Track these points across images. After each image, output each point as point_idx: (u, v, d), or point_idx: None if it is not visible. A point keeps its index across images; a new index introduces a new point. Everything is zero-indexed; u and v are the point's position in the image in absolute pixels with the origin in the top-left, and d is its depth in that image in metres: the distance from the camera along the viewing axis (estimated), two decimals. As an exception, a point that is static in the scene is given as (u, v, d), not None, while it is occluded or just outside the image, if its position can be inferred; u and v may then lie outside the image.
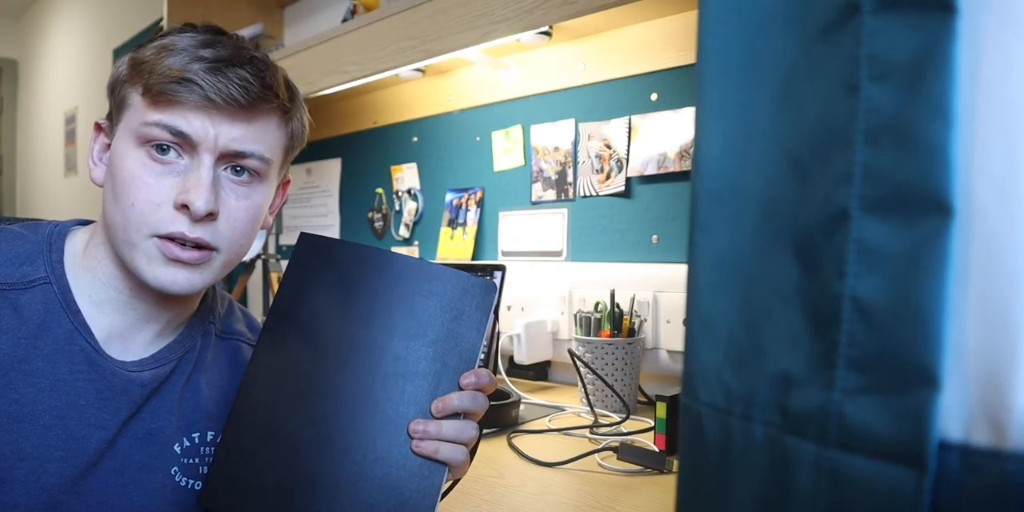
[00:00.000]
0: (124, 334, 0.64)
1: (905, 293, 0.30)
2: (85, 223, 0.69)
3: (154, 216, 0.59)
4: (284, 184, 0.72)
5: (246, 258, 1.81)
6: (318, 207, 2.06)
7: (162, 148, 0.59)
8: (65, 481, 0.59)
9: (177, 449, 0.66)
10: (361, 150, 1.92)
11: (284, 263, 2.00)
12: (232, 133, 0.60)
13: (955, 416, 0.30)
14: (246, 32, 1.90)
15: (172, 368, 0.67)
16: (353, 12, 1.62)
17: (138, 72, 0.60)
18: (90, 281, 0.63)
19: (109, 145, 0.64)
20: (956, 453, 0.30)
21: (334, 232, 2.01)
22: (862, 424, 0.32)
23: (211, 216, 0.60)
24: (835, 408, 0.33)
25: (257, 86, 0.59)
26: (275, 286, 1.82)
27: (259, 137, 0.62)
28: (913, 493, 0.30)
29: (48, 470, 0.59)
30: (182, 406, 0.67)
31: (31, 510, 0.58)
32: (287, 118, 0.65)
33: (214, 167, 0.60)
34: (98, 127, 0.66)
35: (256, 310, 2.23)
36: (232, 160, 0.61)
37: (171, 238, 0.59)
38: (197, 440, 0.68)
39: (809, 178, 0.35)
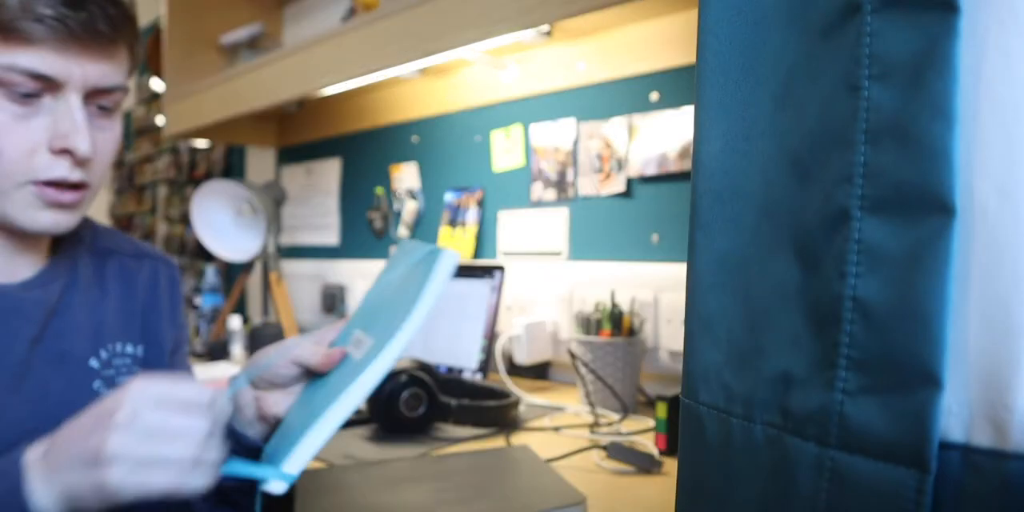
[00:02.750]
0: (9, 264, 0.64)
1: (906, 293, 0.30)
2: None
3: (29, 163, 0.57)
4: None
5: (245, 258, 1.81)
6: (318, 207, 2.06)
7: (20, 90, 0.55)
8: None
9: (94, 364, 0.67)
10: (361, 150, 1.92)
11: (283, 263, 2.00)
12: (98, 70, 0.57)
13: (956, 416, 0.30)
14: (246, 32, 1.90)
15: (60, 287, 0.66)
16: (353, 12, 1.62)
17: None
18: None
19: None
20: (957, 453, 0.30)
21: (334, 232, 2.01)
22: (863, 424, 0.31)
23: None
24: (836, 408, 0.33)
25: (119, 17, 0.56)
26: (274, 287, 1.82)
27: (120, 69, 0.60)
28: (915, 493, 0.30)
29: None
30: (85, 324, 0.67)
31: None
32: (134, 42, 0.62)
33: (83, 105, 0.58)
34: None
35: (255, 310, 2.23)
36: (99, 97, 0.59)
37: (49, 183, 0.58)
38: (111, 351, 0.68)
39: (810, 178, 0.35)
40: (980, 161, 0.30)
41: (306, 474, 0.75)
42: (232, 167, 2.49)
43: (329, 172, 2.02)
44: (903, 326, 0.30)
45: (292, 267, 2.11)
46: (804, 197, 0.35)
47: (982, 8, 0.29)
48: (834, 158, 0.33)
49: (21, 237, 0.64)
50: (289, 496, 0.68)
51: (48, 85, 0.56)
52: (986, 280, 0.29)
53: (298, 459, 0.50)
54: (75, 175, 0.58)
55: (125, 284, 0.73)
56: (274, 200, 1.84)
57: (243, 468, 0.51)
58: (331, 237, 2.02)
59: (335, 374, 0.56)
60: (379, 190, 1.85)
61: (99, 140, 0.60)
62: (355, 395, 0.51)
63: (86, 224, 0.74)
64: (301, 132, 2.11)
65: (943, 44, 0.29)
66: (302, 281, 2.08)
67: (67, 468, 0.46)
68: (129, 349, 0.70)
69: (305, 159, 2.11)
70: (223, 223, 1.81)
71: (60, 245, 0.69)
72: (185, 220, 2.70)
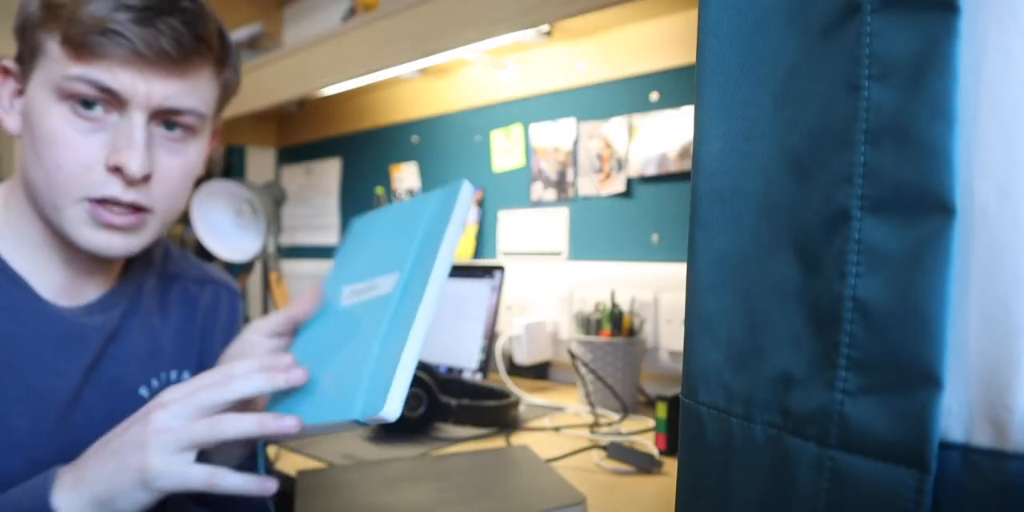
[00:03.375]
0: (75, 285, 0.63)
1: (906, 293, 0.30)
2: None
3: (84, 179, 0.56)
4: (215, 131, 0.69)
5: (245, 258, 1.80)
6: (318, 207, 2.06)
7: (87, 103, 0.55)
8: (40, 436, 0.58)
9: (144, 393, 0.66)
10: (361, 150, 1.92)
11: (283, 262, 2.00)
12: (165, 89, 0.56)
13: (956, 416, 0.30)
14: (246, 32, 1.90)
15: (122, 312, 0.66)
16: (353, 12, 1.62)
17: (53, 17, 0.55)
18: (20, 241, 0.61)
19: (20, 91, 0.59)
20: (957, 453, 0.30)
21: (334, 232, 2.01)
22: (863, 425, 0.31)
23: (145, 178, 0.57)
24: (836, 408, 0.33)
25: (189, 37, 0.55)
26: (274, 287, 1.82)
27: (193, 92, 0.58)
28: (915, 493, 0.30)
29: (18, 426, 0.57)
30: (142, 350, 0.66)
31: (14, 472, 0.56)
32: (220, 68, 0.62)
33: (147, 125, 0.56)
34: (5, 71, 0.60)
35: (256, 310, 2.23)
36: (165, 117, 0.58)
37: (103, 201, 0.57)
38: (163, 380, 0.68)
39: (810, 178, 0.35)
40: (980, 161, 0.30)
41: (306, 474, 0.75)
42: (232, 167, 2.48)
43: (329, 172, 2.02)
44: (903, 326, 0.30)
45: (292, 267, 2.11)
46: (804, 197, 0.35)
47: (982, 8, 0.29)
48: (834, 158, 0.33)
49: (88, 259, 0.63)
50: (289, 495, 0.68)
51: (114, 100, 0.55)
52: (986, 280, 0.29)
53: (399, 387, 0.46)
54: (128, 196, 0.57)
55: (186, 309, 0.72)
56: (274, 200, 1.84)
57: (329, 413, 0.48)
58: (331, 237, 2.02)
59: (364, 316, 0.52)
60: (379, 190, 1.85)
61: (165, 164, 0.59)
62: (427, 310, 0.48)
63: (159, 246, 0.74)
64: (301, 132, 2.11)
65: (943, 44, 0.29)
66: (302, 281, 2.08)
67: (102, 469, 0.46)
68: (186, 376, 0.70)
69: (305, 159, 2.11)
70: (223, 223, 1.81)
71: (129, 268, 0.68)
72: (185, 220, 2.69)
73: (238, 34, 1.90)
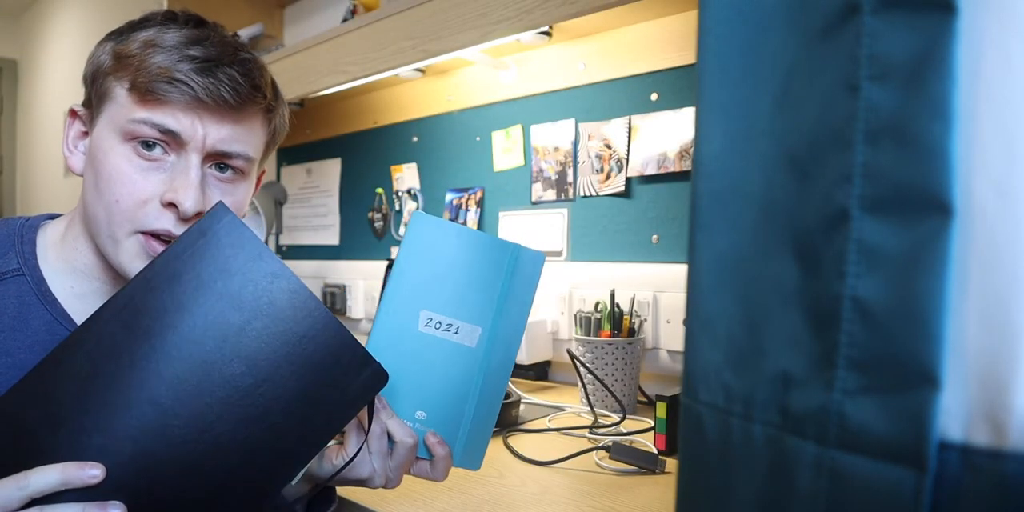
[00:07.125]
0: None
1: (905, 293, 0.30)
2: (54, 217, 0.70)
3: (139, 212, 0.59)
4: (259, 176, 0.73)
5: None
6: (318, 207, 2.06)
7: (148, 145, 0.59)
8: None
9: None
10: (361, 150, 1.92)
11: (284, 263, 2.00)
12: (220, 133, 0.60)
13: (955, 416, 0.30)
14: (246, 32, 1.90)
15: None
16: (353, 12, 1.62)
17: (123, 66, 0.59)
18: (70, 273, 0.64)
19: (85, 133, 0.64)
20: (956, 453, 0.30)
21: (334, 232, 2.01)
22: (862, 424, 0.32)
23: (198, 214, 0.60)
24: (835, 408, 0.33)
25: (246, 87, 0.60)
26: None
27: (245, 137, 0.62)
28: (913, 493, 0.30)
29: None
30: None
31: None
32: (270, 117, 0.66)
33: (201, 166, 0.60)
34: (74, 114, 0.65)
35: (256, 310, 2.23)
36: (218, 159, 0.62)
37: (155, 235, 0.60)
38: None
39: (809, 178, 0.35)
40: (979, 161, 0.30)
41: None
42: (232, 167, 2.49)
43: (329, 172, 2.02)
44: (902, 326, 0.30)
45: (293, 267, 2.10)
46: (803, 197, 0.35)
47: (981, 9, 0.29)
48: (833, 158, 0.33)
49: None
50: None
51: (174, 142, 0.59)
52: (985, 280, 0.29)
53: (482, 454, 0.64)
54: (180, 230, 0.60)
55: None
56: (274, 200, 1.84)
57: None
58: (331, 237, 2.02)
59: (448, 359, 0.62)
60: (379, 190, 1.85)
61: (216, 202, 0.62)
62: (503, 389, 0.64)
63: None
64: (301, 132, 2.11)
65: (942, 45, 0.29)
66: (303, 281, 2.08)
67: None
68: None
69: (305, 159, 2.11)
70: (223, 223, 1.81)
71: None
72: (185, 220, 2.69)
73: (238, 34, 1.91)
